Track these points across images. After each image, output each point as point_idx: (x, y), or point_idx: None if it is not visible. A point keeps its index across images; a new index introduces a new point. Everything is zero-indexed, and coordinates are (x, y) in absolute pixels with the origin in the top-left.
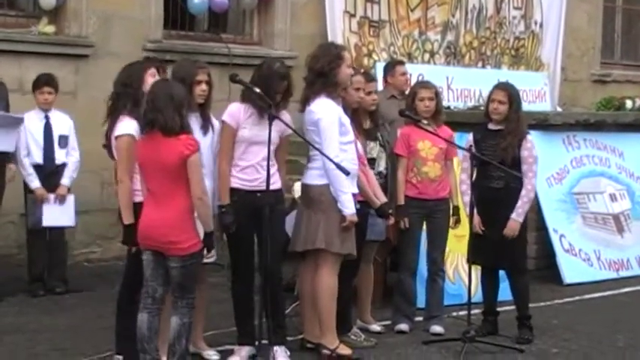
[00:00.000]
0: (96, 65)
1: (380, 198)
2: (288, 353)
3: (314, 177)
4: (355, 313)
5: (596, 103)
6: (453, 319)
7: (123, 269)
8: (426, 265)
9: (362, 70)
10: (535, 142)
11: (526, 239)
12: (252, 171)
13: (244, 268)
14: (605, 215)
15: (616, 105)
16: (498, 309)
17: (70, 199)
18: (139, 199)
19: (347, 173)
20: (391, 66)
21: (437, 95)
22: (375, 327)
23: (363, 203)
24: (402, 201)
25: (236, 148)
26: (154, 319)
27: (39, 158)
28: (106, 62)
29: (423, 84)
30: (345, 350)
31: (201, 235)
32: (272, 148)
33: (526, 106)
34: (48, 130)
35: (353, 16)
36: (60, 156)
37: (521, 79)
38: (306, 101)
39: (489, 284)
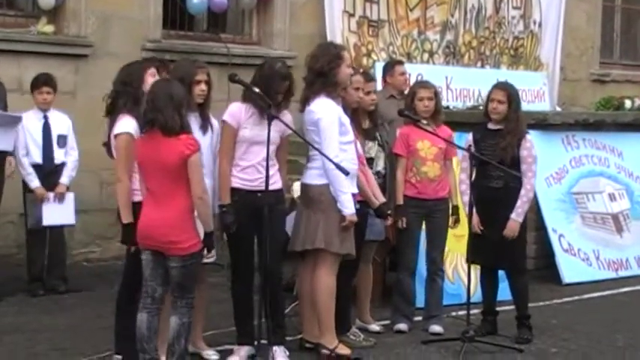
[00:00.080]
0: (95, 65)
1: (379, 198)
2: (288, 353)
3: (313, 177)
4: (354, 312)
5: (596, 103)
6: (452, 318)
7: (122, 269)
8: (425, 265)
9: (361, 70)
10: (534, 142)
11: (525, 239)
12: (253, 171)
13: (244, 268)
14: (605, 215)
15: (615, 105)
16: (498, 309)
17: (70, 197)
18: (137, 198)
19: (346, 173)
20: (390, 66)
21: (436, 95)
22: (374, 327)
23: (363, 203)
24: (401, 201)
25: (237, 148)
26: (154, 319)
27: (38, 158)
28: (105, 62)
29: (422, 84)
30: (344, 350)
31: (201, 235)
32: (273, 148)
33: (525, 106)
34: (47, 129)
35: (352, 15)
36: (59, 155)
37: (520, 79)
38: (305, 101)
39: (489, 284)
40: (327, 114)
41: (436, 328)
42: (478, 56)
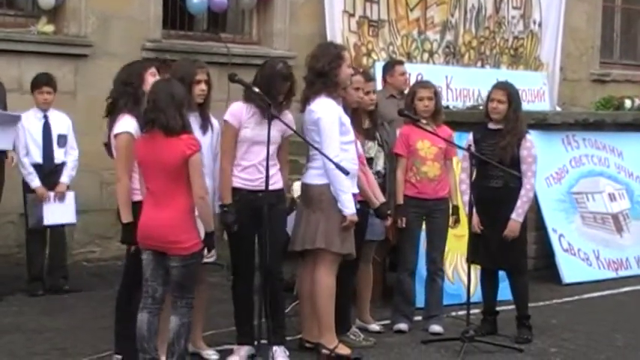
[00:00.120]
0: (95, 65)
1: (379, 198)
2: (287, 353)
3: (314, 177)
4: (354, 312)
5: (596, 103)
6: (452, 318)
7: (122, 269)
8: (425, 265)
9: (361, 70)
10: (534, 142)
11: (525, 239)
12: (254, 171)
13: (244, 268)
14: (604, 215)
15: (615, 104)
16: (497, 308)
17: (71, 196)
18: (137, 197)
19: (346, 173)
20: (390, 65)
21: (436, 95)
22: (374, 326)
23: (363, 203)
24: (401, 200)
25: (238, 148)
26: (154, 319)
27: (38, 158)
28: (105, 62)
29: (422, 83)
30: (344, 350)
31: (202, 235)
32: (274, 147)
33: (525, 106)
34: (47, 129)
35: (352, 15)
36: (59, 155)
37: (520, 79)
38: (306, 101)
39: (489, 284)
40: (327, 114)
41: (436, 327)
42: (478, 56)
